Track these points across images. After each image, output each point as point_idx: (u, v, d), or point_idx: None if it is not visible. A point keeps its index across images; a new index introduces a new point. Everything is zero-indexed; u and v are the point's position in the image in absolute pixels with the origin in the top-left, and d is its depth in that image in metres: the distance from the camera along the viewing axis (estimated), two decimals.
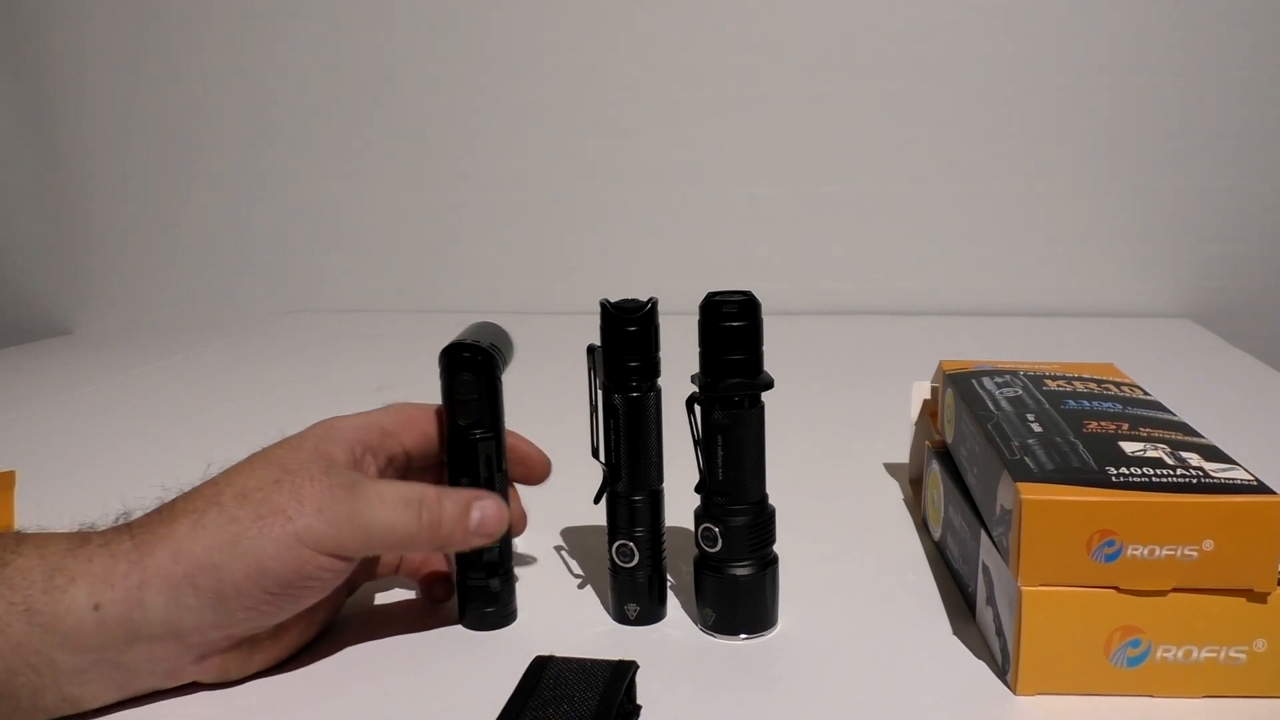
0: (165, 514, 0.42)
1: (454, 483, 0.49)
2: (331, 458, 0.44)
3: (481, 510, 0.46)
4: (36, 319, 1.47)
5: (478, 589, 0.49)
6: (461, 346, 0.47)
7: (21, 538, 0.41)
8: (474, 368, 0.47)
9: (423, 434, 0.49)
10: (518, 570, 0.53)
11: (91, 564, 0.40)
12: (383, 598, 0.54)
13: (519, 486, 0.52)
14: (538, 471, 0.52)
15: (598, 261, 1.35)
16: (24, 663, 0.39)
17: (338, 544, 0.42)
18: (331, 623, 0.49)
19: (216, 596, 0.41)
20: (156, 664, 0.42)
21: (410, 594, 0.54)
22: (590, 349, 0.49)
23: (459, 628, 0.50)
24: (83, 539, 0.42)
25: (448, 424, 0.48)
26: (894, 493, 0.68)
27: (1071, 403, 0.52)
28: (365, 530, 0.43)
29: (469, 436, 0.48)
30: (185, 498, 0.43)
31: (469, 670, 0.46)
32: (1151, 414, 0.51)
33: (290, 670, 0.46)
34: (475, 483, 0.48)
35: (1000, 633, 0.44)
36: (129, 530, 0.42)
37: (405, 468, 0.50)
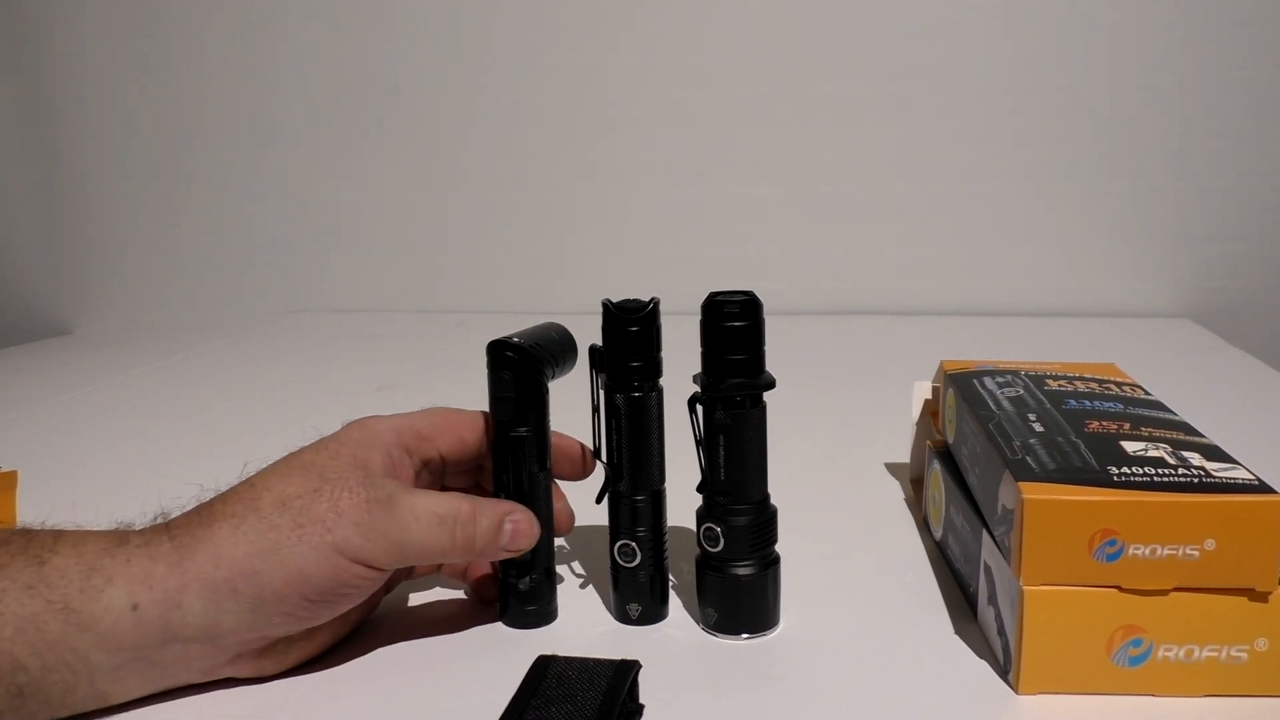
0: (204, 516, 0.43)
1: (497, 479, 0.49)
2: (369, 465, 0.45)
3: (513, 524, 0.47)
4: (36, 319, 1.47)
5: (514, 586, 0.50)
6: (505, 344, 0.48)
7: (58, 535, 0.42)
8: (513, 367, 0.47)
9: (458, 439, 0.49)
10: None
11: (130, 565, 0.40)
12: (410, 599, 0.54)
13: (563, 484, 0.52)
14: (576, 465, 0.52)
15: (598, 261, 1.35)
16: (59, 660, 0.39)
17: (372, 557, 0.43)
18: (365, 621, 0.50)
19: (256, 601, 0.41)
20: (191, 663, 0.42)
21: (434, 595, 0.54)
22: (592, 349, 0.49)
23: (466, 629, 0.50)
24: (120, 538, 0.42)
25: (491, 420, 0.49)
26: (895, 492, 0.68)
27: (1073, 402, 0.52)
28: (400, 547, 0.44)
29: (508, 434, 0.48)
30: (223, 500, 0.43)
31: (472, 670, 0.46)
32: (1153, 414, 0.51)
33: (295, 670, 0.46)
34: (515, 480, 0.48)
35: (1002, 632, 0.44)
36: (167, 531, 0.42)
37: (441, 471, 0.50)
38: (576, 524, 0.53)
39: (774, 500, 0.49)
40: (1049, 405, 0.52)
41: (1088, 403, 0.52)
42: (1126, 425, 0.48)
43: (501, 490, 0.49)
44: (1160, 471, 0.43)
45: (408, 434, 0.48)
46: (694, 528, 0.49)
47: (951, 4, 1.22)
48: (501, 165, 1.36)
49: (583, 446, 0.52)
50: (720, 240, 1.32)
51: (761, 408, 0.47)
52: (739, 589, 0.48)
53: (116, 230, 1.47)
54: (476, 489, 0.53)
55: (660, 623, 0.50)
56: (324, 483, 0.43)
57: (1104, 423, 0.49)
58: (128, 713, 0.42)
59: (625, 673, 0.41)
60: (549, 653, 0.43)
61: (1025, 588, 0.42)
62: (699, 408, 0.48)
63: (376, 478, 0.44)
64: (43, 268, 1.49)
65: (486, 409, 0.50)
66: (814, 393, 0.90)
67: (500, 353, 0.48)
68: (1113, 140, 1.22)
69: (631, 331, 0.47)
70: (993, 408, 0.52)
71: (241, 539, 0.41)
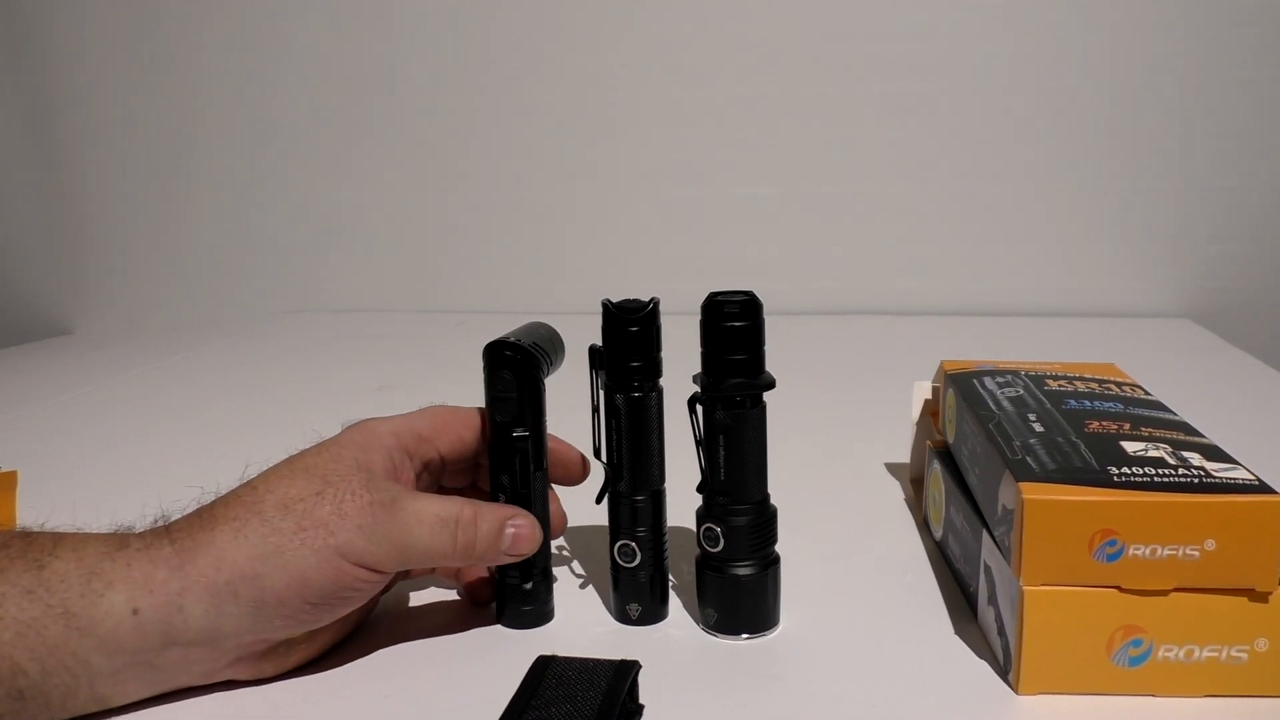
0: (205, 519, 0.43)
1: (494, 480, 0.49)
2: (372, 468, 0.45)
3: (515, 529, 0.47)
4: (36, 319, 1.47)
5: (514, 588, 0.50)
6: (503, 344, 0.48)
7: (58, 538, 0.42)
8: (514, 366, 0.47)
9: (457, 438, 0.49)
10: None
11: (130, 569, 0.40)
12: (410, 600, 0.54)
13: (556, 487, 0.52)
14: (574, 472, 0.52)
15: (598, 261, 1.35)
16: (59, 664, 0.39)
17: (375, 560, 0.43)
18: (364, 622, 0.50)
19: (257, 605, 0.41)
20: (191, 666, 0.42)
21: (434, 596, 0.54)
22: (592, 349, 0.49)
23: (465, 630, 0.50)
24: (121, 542, 0.42)
25: (488, 421, 0.49)
26: (895, 492, 0.68)
27: (1073, 402, 0.52)
28: (403, 550, 0.44)
29: (508, 434, 0.48)
30: (225, 503, 0.43)
31: (472, 671, 0.46)
32: (1153, 414, 0.51)
33: (295, 671, 0.46)
34: (514, 481, 0.48)
35: (1002, 632, 0.44)
36: (168, 534, 0.42)
37: (440, 471, 0.50)
38: (576, 524, 0.53)
39: (774, 500, 0.49)
40: (1049, 405, 0.52)
41: (1088, 403, 0.52)
42: (1126, 425, 0.48)
43: (500, 491, 0.49)
44: (1160, 472, 0.42)
45: (408, 436, 0.48)
46: (694, 528, 0.49)
47: (951, 4, 1.22)
48: (501, 165, 1.36)
49: (581, 454, 0.52)
50: (720, 240, 1.32)
51: (761, 408, 0.47)
52: (739, 589, 0.48)
53: (116, 230, 1.47)
54: (473, 489, 0.53)
55: (660, 623, 0.50)
56: (327, 485, 0.43)
57: (1104, 423, 0.49)
58: (128, 715, 0.42)
59: (625, 673, 0.41)
60: (549, 653, 0.43)
61: (1025, 588, 0.42)
62: (699, 408, 0.47)
63: (379, 480, 0.44)
64: (43, 268, 1.49)
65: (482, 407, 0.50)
66: (814, 393, 0.90)
67: (500, 352, 0.48)
68: (1113, 140, 1.22)
69: (631, 331, 0.47)
70: (993, 408, 0.52)
71: (243, 542, 0.41)
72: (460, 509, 0.45)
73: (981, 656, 0.46)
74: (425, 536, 0.44)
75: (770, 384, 0.47)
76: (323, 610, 0.43)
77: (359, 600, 0.44)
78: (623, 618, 0.50)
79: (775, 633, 0.49)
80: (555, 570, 0.52)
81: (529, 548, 0.47)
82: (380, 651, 0.48)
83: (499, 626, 0.50)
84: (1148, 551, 0.40)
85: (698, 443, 0.48)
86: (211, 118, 1.42)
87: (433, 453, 0.49)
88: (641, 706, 0.42)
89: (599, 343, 0.48)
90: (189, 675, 0.43)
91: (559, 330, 0.52)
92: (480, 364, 0.48)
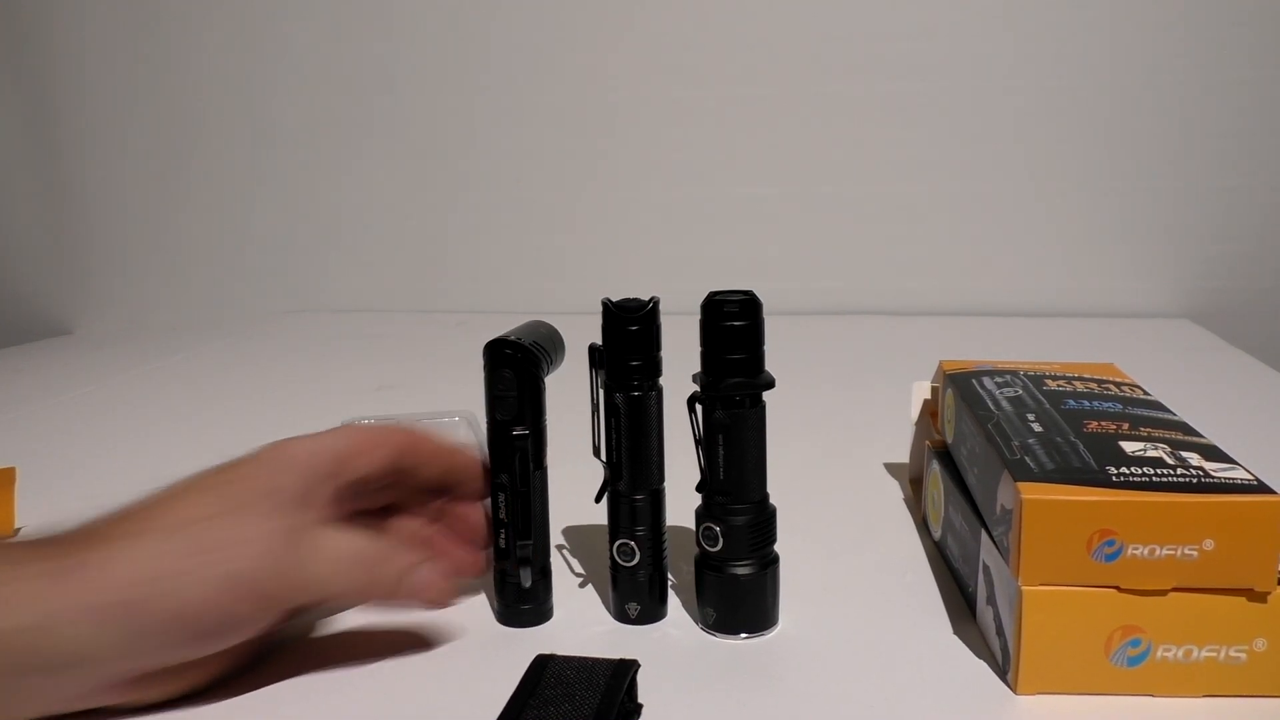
0: (92, 535, 0.40)
1: (494, 479, 0.49)
2: (282, 492, 0.42)
3: (419, 577, 0.44)
4: (36, 319, 1.47)
5: (512, 584, 0.49)
6: (503, 343, 0.48)
7: None
8: (514, 364, 0.47)
9: (376, 458, 0.46)
10: None
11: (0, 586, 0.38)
12: None
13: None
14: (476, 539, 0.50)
15: (598, 261, 1.35)
16: None
17: (270, 592, 0.40)
18: (270, 648, 0.46)
19: (133, 633, 0.38)
20: (61, 689, 0.39)
21: None
22: (592, 348, 0.49)
23: (463, 629, 0.50)
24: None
25: (487, 420, 0.49)
26: (894, 492, 0.68)
27: (1072, 402, 0.52)
28: (302, 585, 0.41)
29: (508, 433, 0.48)
30: (115, 520, 0.40)
31: (470, 669, 0.46)
32: (1152, 414, 0.51)
33: (293, 670, 0.46)
34: (513, 479, 0.48)
35: (1000, 632, 0.44)
36: (49, 547, 0.39)
37: (359, 493, 0.46)
38: (576, 523, 0.53)
39: (774, 500, 0.49)
40: (1048, 405, 0.51)
41: (1087, 403, 0.52)
42: (1125, 425, 0.48)
43: (500, 490, 0.49)
44: (1159, 471, 0.42)
45: (325, 456, 0.44)
46: (693, 527, 0.49)
47: (951, 4, 1.22)
48: (501, 165, 1.36)
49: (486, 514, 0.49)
50: (720, 240, 1.32)
51: (761, 407, 0.48)
52: (738, 589, 0.48)
53: (116, 230, 1.47)
54: (391, 509, 0.49)
55: (659, 622, 0.50)
56: (230, 507, 0.40)
57: (1103, 423, 0.49)
58: (130, 717, 0.42)
59: (624, 672, 0.41)
60: (547, 652, 0.43)
61: (1024, 588, 0.42)
62: (698, 407, 0.48)
63: (287, 506, 0.41)
64: (43, 268, 1.49)
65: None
66: (814, 393, 0.90)
67: (500, 351, 0.48)
68: (1113, 140, 1.22)
69: (631, 331, 0.47)
70: (991, 408, 0.52)
71: (126, 564, 0.38)
72: (363, 549, 0.43)
73: (980, 656, 0.46)
74: (325, 572, 0.42)
75: (769, 383, 0.47)
76: (206, 642, 0.40)
77: (248, 633, 0.41)
78: (621, 617, 0.50)
79: (774, 632, 0.49)
80: (553, 568, 0.52)
81: (437, 595, 0.45)
82: (378, 651, 0.48)
83: (498, 625, 0.50)
84: (1146, 551, 0.40)
85: (697, 442, 0.48)
86: (211, 118, 1.42)
87: (351, 474, 0.45)
88: (640, 706, 0.42)
89: (599, 342, 0.48)
90: (58, 701, 0.39)
91: (559, 329, 0.52)
92: (480, 363, 0.48)
